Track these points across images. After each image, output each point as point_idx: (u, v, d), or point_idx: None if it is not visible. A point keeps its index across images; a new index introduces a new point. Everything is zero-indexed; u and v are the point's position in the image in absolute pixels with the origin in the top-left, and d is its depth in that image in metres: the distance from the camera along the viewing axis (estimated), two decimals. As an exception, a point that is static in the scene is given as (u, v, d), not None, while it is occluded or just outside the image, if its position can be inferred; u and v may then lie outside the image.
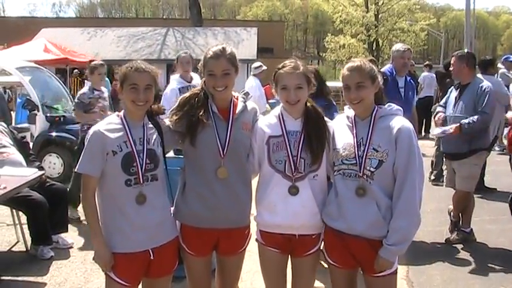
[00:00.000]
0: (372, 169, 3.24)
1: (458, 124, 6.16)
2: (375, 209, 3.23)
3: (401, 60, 6.67)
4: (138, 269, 3.31)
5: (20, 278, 5.54)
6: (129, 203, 3.22)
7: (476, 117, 6.14)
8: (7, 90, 17.72)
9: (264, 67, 11.43)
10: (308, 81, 3.40)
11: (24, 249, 6.30)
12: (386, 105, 3.39)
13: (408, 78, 6.86)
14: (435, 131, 6.67)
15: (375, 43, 43.88)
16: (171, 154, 3.58)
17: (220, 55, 3.35)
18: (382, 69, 6.67)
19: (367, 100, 3.31)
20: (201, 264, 3.53)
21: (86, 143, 3.24)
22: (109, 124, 3.29)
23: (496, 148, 11.83)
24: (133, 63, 3.29)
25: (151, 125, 3.39)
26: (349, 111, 3.46)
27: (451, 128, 6.22)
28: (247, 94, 3.60)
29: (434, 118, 7.04)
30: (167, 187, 3.49)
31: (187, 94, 3.50)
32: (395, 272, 3.36)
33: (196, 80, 6.69)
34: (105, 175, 3.22)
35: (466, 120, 6.15)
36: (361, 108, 3.34)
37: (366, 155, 3.25)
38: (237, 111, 3.46)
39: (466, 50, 7.10)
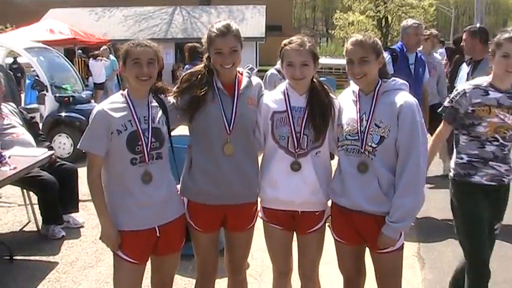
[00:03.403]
0: (373, 145, 3.21)
1: None
2: (375, 185, 3.22)
3: (415, 37, 6.47)
4: (145, 246, 3.32)
5: (31, 258, 5.60)
6: (135, 181, 3.22)
7: None
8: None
9: None
10: (314, 58, 3.37)
11: (36, 229, 6.34)
12: (390, 80, 3.34)
13: (419, 54, 6.76)
14: None
15: (384, 20, 43.52)
16: (176, 132, 3.57)
17: (226, 32, 3.31)
18: (391, 46, 6.58)
19: (370, 75, 3.27)
20: (209, 241, 3.54)
21: (90, 122, 3.22)
22: (113, 103, 3.27)
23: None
24: (135, 40, 3.28)
25: (155, 103, 3.37)
26: (354, 86, 3.42)
27: None
28: (252, 69, 3.57)
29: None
30: (173, 165, 3.49)
31: (189, 71, 3.49)
32: (401, 248, 3.35)
33: None
34: (110, 154, 3.21)
35: None
36: (365, 83, 3.31)
37: (368, 130, 3.23)
38: (242, 87, 3.44)
39: (478, 25, 6.97)
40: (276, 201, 3.45)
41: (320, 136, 3.36)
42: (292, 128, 3.35)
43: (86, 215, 6.69)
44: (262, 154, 3.59)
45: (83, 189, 6.61)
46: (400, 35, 6.79)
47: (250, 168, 3.48)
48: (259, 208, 3.61)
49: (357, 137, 3.27)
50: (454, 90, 3.96)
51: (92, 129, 3.20)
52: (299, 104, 3.40)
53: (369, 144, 3.22)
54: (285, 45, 3.39)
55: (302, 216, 3.47)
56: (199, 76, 3.40)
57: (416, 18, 10.93)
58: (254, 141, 3.50)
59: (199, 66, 3.49)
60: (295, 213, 3.46)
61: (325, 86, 3.50)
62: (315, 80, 3.46)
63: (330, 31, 54.98)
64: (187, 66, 8.44)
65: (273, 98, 3.49)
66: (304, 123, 3.35)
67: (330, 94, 3.49)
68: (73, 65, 13.01)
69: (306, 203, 3.42)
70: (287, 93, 3.44)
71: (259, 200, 3.59)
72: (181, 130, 3.67)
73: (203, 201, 3.43)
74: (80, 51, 19.39)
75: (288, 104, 3.40)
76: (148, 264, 3.46)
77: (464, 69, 6.55)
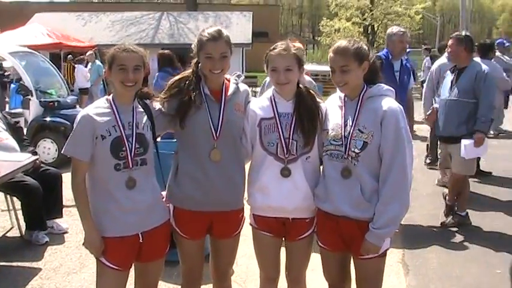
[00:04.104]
0: (356, 150, 3.21)
1: (479, 135, 6.10)
2: (358, 191, 3.22)
3: (400, 44, 6.52)
4: (128, 252, 3.29)
5: (14, 264, 5.54)
6: (119, 187, 3.20)
7: (481, 110, 6.13)
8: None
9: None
10: (299, 63, 3.37)
11: (19, 235, 6.28)
12: (376, 85, 3.34)
13: (404, 61, 6.79)
14: (467, 154, 6.22)
15: (370, 27, 43.72)
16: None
17: (218, 38, 3.31)
18: (377, 53, 6.60)
19: (352, 83, 3.27)
20: (194, 247, 3.52)
21: (74, 127, 3.20)
22: (97, 108, 3.24)
23: (491, 132, 11.83)
24: (121, 45, 3.26)
25: (141, 109, 3.35)
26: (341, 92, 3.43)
27: (474, 142, 6.15)
28: (239, 76, 3.57)
29: (425, 115, 7.03)
30: (159, 171, 3.47)
31: (177, 77, 3.48)
32: (383, 255, 3.35)
33: None
34: (94, 159, 3.18)
35: (479, 124, 6.13)
36: (347, 91, 3.31)
37: (351, 136, 3.22)
38: (229, 93, 3.43)
39: (463, 33, 7.00)
40: (268, 208, 3.44)
41: (309, 141, 3.35)
42: (281, 134, 3.35)
43: (70, 220, 6.62)
44: (250, 162, 3.57)
45: (67, 194, 6.56)
46: (386, 43, 6.82)
47: (237, 174, 3.47)
48: (248, 215, 3.60)
49: (341, 142, 3.27)
50: None
51: (76, 134, 3.18)
52: (286, 110, 3.40)
53: (352, 149, 3.22)
54: (270, 50, 3.40)
55: (293, 224, 3.46)
56: (187, 82, 3.39)
57: (402, 26, 10.99)
58: (241, 148, 3.49)
59: (188, 72, 3.48)
60: (286, 220, 3.45)
61: (311, 91, 3.51)
62: (301, 85, 3.46)
63: (317, 38, 55.19)
64: (159, 73, 8.60)
65: (260, 105, 3.48)
66: (292, 128, 3.35)
67: (317, 99, 3.49)
68: (60, 69, 12.94)
69: (298, 210, 3.41)
70: (274, 100, 3.43)
71: (248, 206, 3.58)
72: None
73: (189, 208, 3.42)
74: (70, 56, 19.29)
75: (275, 110, 3.40)
76: (132, 270, 3.44)
77: (448, 76, 6.60)
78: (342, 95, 3.40)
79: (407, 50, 6.94)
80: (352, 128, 3.24)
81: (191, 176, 3.38)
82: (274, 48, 3.37)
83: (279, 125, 3.36)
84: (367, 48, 3.33)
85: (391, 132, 3.16)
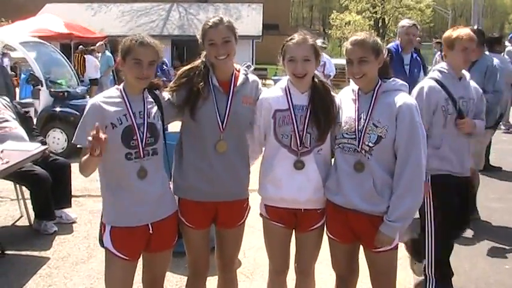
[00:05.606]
0: (370, 144, 3.20)
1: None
2: (370, 184, 3.22)
3: (406, 36, 6.55)
4: (137, 243, 3.29)
5: (23, 253, 5.57)
6: (130, 177, 3.18)
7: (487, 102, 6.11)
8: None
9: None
10: (316, 55, 3.35)
11: (28, 224, 6.32)
12: (390, 80, 3.33)
13: (414, 55, 6.77)
14: None
15: (380, 20, 43.58)
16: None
17: (218, 23, 3.31)
18: (387, 46, 6.59)
19: (369, 75, 3.26)
20: (200, 237, 3.53)
21: (83, 115, 3.18)
22: (108, 97, 3.23)
23: (502, 127, 11.77)
24: (138, 37, 3.20)
25: (150, 99, 3.33)
26: (354, 85, 3.41)
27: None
28: (249, 67, 3.56)
29: None
30: (166, 162, 3.47)
31: (187, 66, 3.47)
32: (396, 248, 3.35)
33: None
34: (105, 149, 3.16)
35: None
36: (364, 83, 3.29)
37: (365, 129, 3.22)
38: (237, 84, 3.42)
39: (475, 27, 6.96)
40: (280, 200, 3.44)
41: (324, 134, 3.35)
42: (295, 127, 3.33)
43: (79, 210, 6.66)
44: (263, 153, 3.57)
45: (76, 184, 6.63)
46: (397, 35, 6.84)
47: (241, 165, 3.48)
48: (258, 205, 3.60)
49: (354, 136, 3.26)
50: None
51: (85, 123, 3.13)
52: (301, 102, 3.38)
53: (366, 143, 3.21)
54: (287, 41, 3.38)
55: (304, 214, 3.46)
56: (196, 72, 3.39)
57: (413, 19, 10.97)
58: (246, 140, 3.49)
59: (197, 62, 3.47)
60: (297, 211, 3.45)
61: (326, 85, 3.49)
62: (315, 78, 3.44)
63: (327, 31, 55.02)
64: None
65: (274, 96, 3.46)
66: (307, 121, 3.34)
67: (331, 92, 3.48)
68: (71, 60, 12.95)
69: (310, 201, 3.41)
70: (288, 91, 3.41)
71: (257, 198, 3.57)
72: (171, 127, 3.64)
73: (194, 199, 3.42)
74: (81, 46, 19.30)
75: (290, 102, 3.38)
76: (140, 260, 3.44)
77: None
78: (356, 88, 3.38)
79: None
80: (366, 121, 3.23)
81: (196, 167, 3.38)
82: (291, 39, 3.35)
83: (293, 117, 3.35)
84: (381, 44, 3.34)
85: (407, 126, 3.15)
